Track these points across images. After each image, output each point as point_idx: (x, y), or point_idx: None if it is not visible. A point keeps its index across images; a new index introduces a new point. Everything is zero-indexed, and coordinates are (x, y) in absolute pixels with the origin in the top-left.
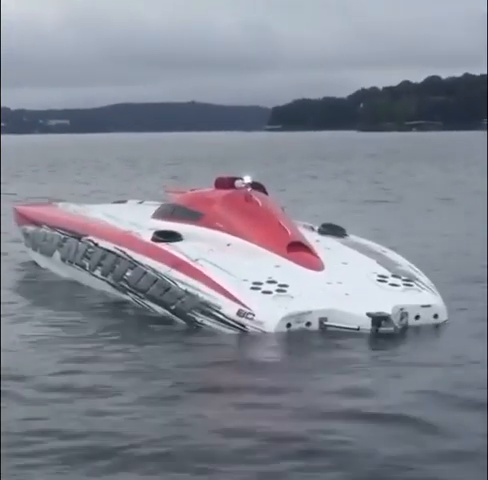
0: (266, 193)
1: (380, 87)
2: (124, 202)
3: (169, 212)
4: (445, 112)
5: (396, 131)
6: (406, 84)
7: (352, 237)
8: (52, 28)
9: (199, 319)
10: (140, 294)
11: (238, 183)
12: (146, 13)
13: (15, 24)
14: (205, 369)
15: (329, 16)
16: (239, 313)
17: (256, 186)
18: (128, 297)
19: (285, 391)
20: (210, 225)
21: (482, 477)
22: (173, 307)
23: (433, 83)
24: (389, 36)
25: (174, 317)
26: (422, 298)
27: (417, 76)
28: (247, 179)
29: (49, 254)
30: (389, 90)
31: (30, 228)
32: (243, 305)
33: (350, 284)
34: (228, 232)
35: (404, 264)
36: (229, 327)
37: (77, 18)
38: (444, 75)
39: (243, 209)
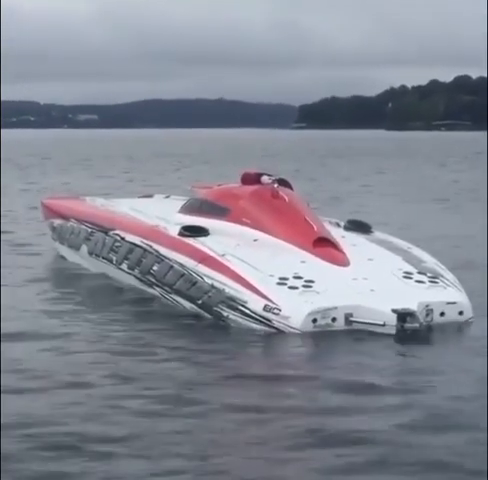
0: (292, 189)
1: (409, 86)
2: (151, 196)
3: (196, 207)
4: (474, 112)
5: (424, 130)
6: (435, 83)
7: (378, 234)
8: (82, 23)
9: (225, 313)
10: (167, 288)
11: (264, 179)
12: (176, 9)
13: (45, 19)
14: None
15: (358, 14)
16: (265, 308)
17: (282, 182)
18: (155, 291)
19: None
20: (237, 220)
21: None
22: (200, 301)
23: (462, 82)
24: (419, 35)
25: (201, 311)
26: (447, 295)
27: (446, 75)
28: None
29: (76, 248)
30: (418, 89)
31: (57, 222)
32: (269, 300)
33: (376, 280)
34: (255, 228)
35: (430, 261)
36: (255, 322)
37: (107, 13)
38: (474, 75)
39: (270, 205)
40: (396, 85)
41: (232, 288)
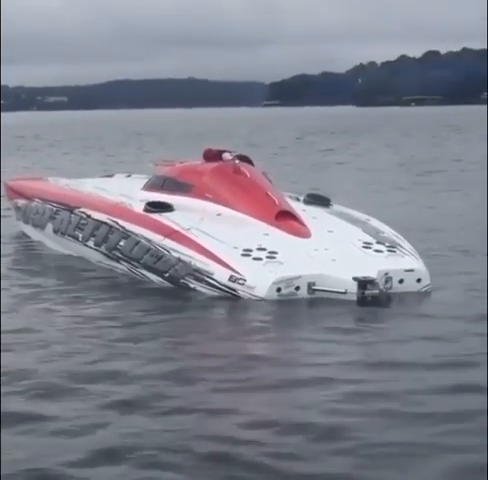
0: (252, 165)
1: (378, 62)
2: (112, 176)
3: (159, 184)
4: (444, 87)
5: (394, 106)
6: (404, 59)
7: (337, 207)
8: (52, 3)
9: (192, 285)
10: (134, 263)
11: (226, 155)
12: None
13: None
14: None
15: None
16: (231, 279)
17: (243, 158)
18: (122, 266)
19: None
20: (200, 196)
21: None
22: (167, 274)
23: (432, 58)
24: (388, 10)
25: (168, 284)
26: (405, 263)
27: (416, 51)
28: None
29: (41, 227)
30: (387, 65)
31: (22, 201)
32: (234, 271)
33: (336, 250)
34: (218, 203)
35: (387, 231)
36: (221, 292)
37: None
38: (443, 50)
39: (232, 180)
40: (365, 61)
41: (198, 260)
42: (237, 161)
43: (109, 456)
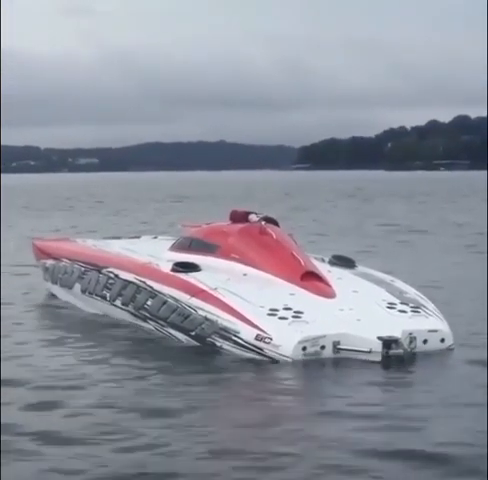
0: (278, 226)
1: (408, 127)
2: (139, 237)
3: (186, 245)
4: (473, 151)
5: (423, 170)
6: (434, 123)
7: (361, 268)
8: (83, 67)
9: (218, 344)
10: (161, 322)
11: (252, 217)
12: (177, 52)
13: (46, 63)
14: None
15: (358, 56)
16: (257, 337)
17: (269, 220)
18: (149, 325)
19: None
20: (226, 256)
21: None
22: (193, 333)
23: (461, 122)
24: (418, 75)
25: (194, 342)
26: (429, 323)
27: (445, 116)
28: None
29: (69, 287)
30: (417, 130)
31: (50, 262)
32: (261, 330)
33: (361, 310)
34: (244, 263)
35: (411, 292)
36: (247, 351)
37: (108, 57)
38: (473, 114)
39: (258, 241)
40: (395, 126)
41: (225, 319)
42: (263, 222)
43: None
